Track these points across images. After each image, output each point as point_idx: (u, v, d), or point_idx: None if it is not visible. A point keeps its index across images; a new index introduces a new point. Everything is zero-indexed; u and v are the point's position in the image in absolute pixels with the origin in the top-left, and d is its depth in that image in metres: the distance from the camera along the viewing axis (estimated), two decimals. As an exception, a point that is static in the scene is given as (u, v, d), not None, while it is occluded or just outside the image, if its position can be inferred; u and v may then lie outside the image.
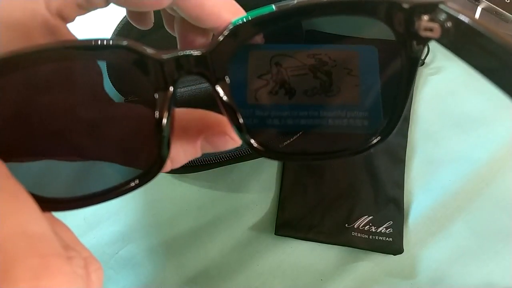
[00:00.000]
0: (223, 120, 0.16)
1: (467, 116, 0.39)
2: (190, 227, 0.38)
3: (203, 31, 0.17)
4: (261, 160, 0.36)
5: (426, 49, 0.13)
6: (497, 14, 0.41)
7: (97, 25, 0.38)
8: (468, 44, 0.12)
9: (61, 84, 0.14)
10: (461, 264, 0.35)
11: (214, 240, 0.37)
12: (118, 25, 0.34)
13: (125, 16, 0.34)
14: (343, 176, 0.38)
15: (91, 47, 0.13)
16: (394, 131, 0.15)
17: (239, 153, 0.34)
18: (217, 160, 0.34)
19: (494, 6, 0.40)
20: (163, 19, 0.20)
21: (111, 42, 0.13)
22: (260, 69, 0.16)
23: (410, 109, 0.40)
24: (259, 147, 0.15)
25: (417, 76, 0.41)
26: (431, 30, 0.12)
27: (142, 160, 0.15)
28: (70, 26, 0.15)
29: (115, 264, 0.37)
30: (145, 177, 0.15)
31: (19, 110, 0.14)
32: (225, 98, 0.14)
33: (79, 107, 0.15)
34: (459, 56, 0.13)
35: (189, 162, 0.34)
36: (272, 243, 0.37)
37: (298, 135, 0.17)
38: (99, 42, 0.13)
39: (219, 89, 0.14)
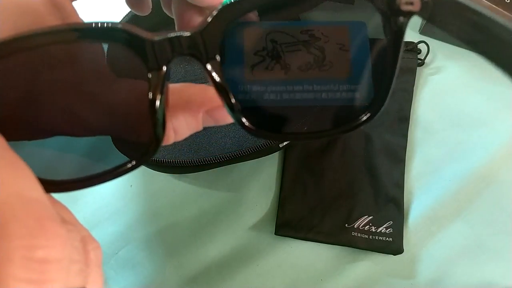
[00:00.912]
0: None
1: (467, 116, 0.39)
2: (190, 227, 0.38)
3: (200, 9, 0.18)
4: (261, 160, 0.36)
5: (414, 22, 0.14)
6: (497, 14, 0.41)
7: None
8: (447, 15, 0.13)
9: (64, 63, 0.15)
10: (461, 264, 0.35)
11: (214, 240, 0.37)
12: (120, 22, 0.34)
13: (126, 15, 0.35)
14: (343, 176, 0.38)
15: (90, 30, 0.13)
16: (383, 108, 0.15)
17: (239, 153, 0.34)
18: (217, 160, 0.34)
19: (494, 6, 0.40)
20: (161, 0, 0.20)
21: (108, 25, 0.13)
22: (251, 46, 0.16)
23: (410, 109, 0.40)
24: (251, 126, 0.15)
25: (417, 76, 0.41)
26: (411, 3, 0.13)
27: (139, 140, 0.15)
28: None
29: (115, 264, 0.37)
30: (142, 158, 0.15)
31: (25, 89, 0.14)
32: (216, 77, 0.14)
33: (82, 85, 0.15)
34: (441, 28, 0.13)
35: (189, 162, 0.34)
36: (272, 243, 0.37)
37: (290, 119, 0.17)
38: (97, 25, 0.13)
39: (210, 68, 0.14)
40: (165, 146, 0.17)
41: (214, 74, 0.14)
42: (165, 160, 0.34)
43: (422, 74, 0.41)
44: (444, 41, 0.42)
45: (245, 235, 0.37)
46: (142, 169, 0.33)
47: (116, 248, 0.37)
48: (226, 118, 0.16)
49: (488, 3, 0.36)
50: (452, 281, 0.35)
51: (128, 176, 0.20)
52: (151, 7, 0.21)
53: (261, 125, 0.16)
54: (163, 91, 0.14)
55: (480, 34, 0.13)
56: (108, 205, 0.39)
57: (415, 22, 0.42)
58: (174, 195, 0.39)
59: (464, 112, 0.40)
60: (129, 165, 0.15)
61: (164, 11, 0.20)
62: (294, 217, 0.37)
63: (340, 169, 0.38)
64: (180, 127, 0.16)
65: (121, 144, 0.16)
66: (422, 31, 0.42)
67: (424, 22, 0.41)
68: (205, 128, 0.17)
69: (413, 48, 0.41)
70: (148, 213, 0.38)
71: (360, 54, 0.16)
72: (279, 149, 0.35)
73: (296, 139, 0.19)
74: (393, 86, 0.15)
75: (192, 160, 0.34)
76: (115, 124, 0.16)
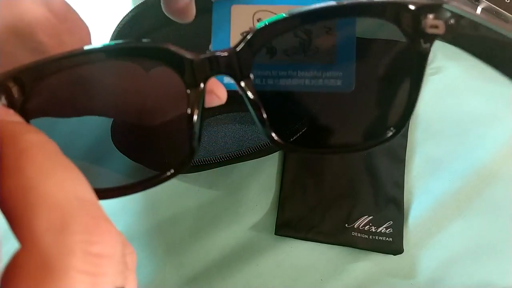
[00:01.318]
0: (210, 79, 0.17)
1: (467, 116, 0.39)
2: (190, 227, 0.38)
3: None
4: (261, 160, 0.36)
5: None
6: (497, 14, 0.41)
7: (98, 24, 0.38)
8: (470, 36, 0.14)
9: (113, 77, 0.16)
10: (461, 264, 0.35)
11: (214, 240, 0.37)
12: (118, 24, 0.34)
13: (126, 15, 0.35)
14: (343, 176, 0.38)
15: (137, 48, 0.14)
16: (407, 123, 0.16)
17: (239, 153, 0.34)
18: (217, 160, 0.34)
19: (494, 6, 0.40)
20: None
21: (154, 45, 0.14)
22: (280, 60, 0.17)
23: (410, 109, 0.40)
24: (280, 141, 0.16)
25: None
26: (436, 27, 0.14)
27: (175, 152, 0.16)
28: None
29: (115, 264, 0.37)
30: (179, 167, 0.16)
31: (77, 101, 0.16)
32: (250, 94, 0.15)
33: (127, 100, 0.17)
34: (463, 49, 0.14)
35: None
36: (272, 243, 0.37)
37: (317, 131, 0.18)
38: (143, 45, 0.14)
39: (244, 85, 0.15)
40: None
41: (248, 91, 0.15)
42: (165, 160, 0.34)
43: (422, 74, 0.41)
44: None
45: (245, 235, 0.37)
46: (142, 169, 0.33)
47: (116, 248, 0.37)
48: (211, 101, 0.17)
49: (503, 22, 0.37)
50: (452, 281, 0.35)
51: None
52: (194, 15, 0.21)
53: (288, 138, 0.17)
54: (200, 106, 0.15)
55: (501, 53, 0.13)
56: (108, 206, 0.39)
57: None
58: (174, 195, 0.39)
59: (464, 112, 0.40)
60: (168, 173, 0.16)
61: (164, 11, 0.20)
62: (294, 217, 0.37)
63: (340, 169, 0.38)
64: None
65: (157, 154, 0.17)
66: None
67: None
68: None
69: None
70: (148, 213, 0.38)
71: (386, 77, 0.17)
72: (279, 149, 0.35)
73: (324, 153, 0.20)
74: (417, 103, 0.16)
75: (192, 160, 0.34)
76: (153, 136, 0.17)
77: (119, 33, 0.33)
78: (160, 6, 0.20)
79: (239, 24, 0.17)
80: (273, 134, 0.16)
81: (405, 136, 0.39)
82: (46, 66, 0.13)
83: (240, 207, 0.38)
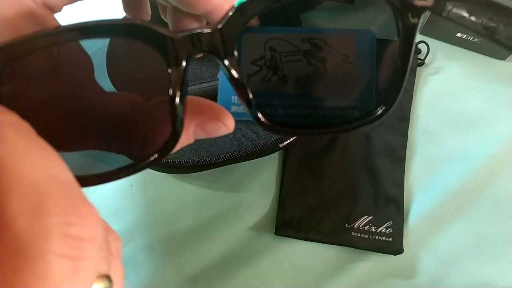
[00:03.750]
0: (215, 106, 0.16)
1: (467, 116, 0.39)
2: (190, 227, 0.38)
3: (195, 18, 0.18)
4: (261, 160, 0.36)
5: (421, 21, 0.14)
6: None
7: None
8: (459, 9, 0.13)
9: (73, 64, 0.15)
10: (461, 264, 0.35)
11: (214, 240, 0.37)
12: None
13: (123, 9, 0.34)
14: (343, 176, 0.38)
15: (110, 26, 0.13)
16: (396, 102, 0.16)
17: (239, 153, 0.34)
18: (217, 160, 0.34)
19: None
20: (159, 8, 0.20)
21: (130, 22, 0.14)
22: (258, 50, 0.17)
23: (410, 109, 0.40)
24: (266, 122, 0.16)
25: (417, 76, 0.41)
26: None
27: (158, 136, 0.15)
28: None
29: (115, 264, 0.37)
30: (161, 152, 0.15)
31: (39, 89, 0.15)
32: (234, 73, 0.15)
33: (84, 96, 0.16)
34: (453, 22, 0.14)
35: (189, 162, 0.34)
36: (272, 243, 0.37)
37: (305, 113, 0.18)
38: (119, 22, 0.13)
39: (228, 64, 0.15)
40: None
41: (232, 70, 0.15)
42: (165, 160, 0.34)
43: (422, 74, 0.41)
44: (444, 41, 0.42)
45: (245, 235, 0.37)
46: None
47: (116, 248, 0.37)
48: (218, 130, 0.16)
49: None
50: (452, 281, 0.35)
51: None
52: (150, 14, 0.21)
53: (276, 120, 0.16)
54: (183, 86, 0.14)
55: (494, 23, 0.13)
56: (108, 205, 0.39)
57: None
58: (174, 195, 0.39)
59: (464, 112, 0.40)
60: (152, 158, 0.15)
61: (162, 17, 0.20)
62: (294, 217, 0.37)
63: (340, 169, 0.38)
64: None
65: (140, 140, 0.16)
66: (422, 31, 0.42)
67: (424, 22, 0.41)
68: None
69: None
70: (148, 213, 0.38)
71: (370, 58, 0.17)
72: (279, 149, 0.35)
73: (308, 135, 0.19)
74: (405, 82, 0.15)
75: (192, 160, 0.34)
76: (132, 122, 0.16)
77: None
78: (155, 9, 0.20)
79: (250, 53, 0.17)
80: (259, 115, 0.16)
81: (405, 136, 0.39)
82: (17, 46, 0.13)
83: (240, 207, 0.38)
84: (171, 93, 0.14)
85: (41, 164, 0.11)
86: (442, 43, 0.42)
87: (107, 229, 0.13)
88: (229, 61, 0.15)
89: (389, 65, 0.16)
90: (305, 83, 0.17)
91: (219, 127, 0.16)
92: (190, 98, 0.16)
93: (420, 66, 0.41)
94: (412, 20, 0.14)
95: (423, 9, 0.14)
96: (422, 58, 0.41)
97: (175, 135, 0.15)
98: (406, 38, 0.14)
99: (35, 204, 0.10)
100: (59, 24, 0.15)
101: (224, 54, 0.15)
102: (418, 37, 0.42)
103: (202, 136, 0.17)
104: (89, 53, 0.16)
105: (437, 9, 0.14)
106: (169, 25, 0.19)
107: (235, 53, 0.15)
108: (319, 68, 0.17)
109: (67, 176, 0.11)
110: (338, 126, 0.17)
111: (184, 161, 0.34)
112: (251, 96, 0.15)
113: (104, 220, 0.13)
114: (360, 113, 0.17)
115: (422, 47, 0.41)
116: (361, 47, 0.17)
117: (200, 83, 0.36)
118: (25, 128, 0.11)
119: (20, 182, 0.10)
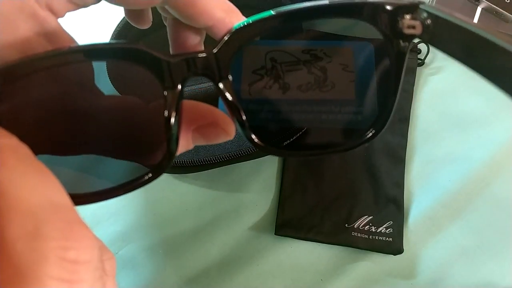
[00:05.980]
0: (214, 111, 0.16)
1: (467, 116, 0.39)
2: (190, 227, 0.38)
3: (196, 30, 0.18)
4: (261, 160, 0.36)
5: (416, 47, 0.14)
6: (497, 14, 0.41)
7: (97, 25, 0.38)
8: (446, 38, 0.14)
9: (70, 86, 0.15)
10: (461, 264, 0.35)
11: (214, 240, 0.37)
12: (118, 25, 0.34)
13: (121, 20, 0.35)
14: (343, 176, 0.38)
15: (107, 49, 0.14)
16: (386, 126, 0.16)
17: (239, 153, 0.34)
18: (217, 160, 0.34)
19: (494, 6, 0.40)
20: (162, 17, 0.20)
21: (127, 45, 0.14)
22: (257, 66, 0.17)
23: (410, 109, 0.40)
24: (260, 143, 0.16)
25: (417, 76, 0.41)
26: (413, 27, 0.14)
27: (152, 155, 0.16)
28: (72, 29, 0.15)
29: (115, 264, 0.37)
30: (156, 171, 0.16)
31: (43, 107, 0.15)
32: (228, 96, 0.15)
33: (88, 107, 0.16)
34: (441, 49, 0.14)
35: (189, 162, 0.34)
36: (272, 243, 0.37)
37: (298, 135, 0.18)
38: (116, 45, 0.14)
39: (222, 87, 0.15)
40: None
41: (226, 93, 0.15)
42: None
43: (422, 74, 0.41)
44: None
45: (245, 235, 0.37)
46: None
47: (116, 248, 0.37)
48: (218, 136, 0.16)
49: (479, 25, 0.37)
50: (452, 281, 0.35)
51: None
52: (151, 21, 0.21)
53: (270, 141, 0.16)
54: (178, 108, 0.14)
55: (478, 56, 0.13)
56: (108, 205, 0.39)
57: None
58: (174, 195, 0.39)
59: (464, 112, 0.40)
60: (146, 177, 0.15)
61: (164, 23, 0.20)
62: (294, 217, 0.37)
63: (340, 169, 0.38)
64: None
65: (135, 158, 0.17)
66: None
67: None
68: None
69: (413, 48, 0.41)
70: (148, 213, 0.38)
71: (364, 76, 0.17)
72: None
73: (301, 156, 0.20)
74: (396, 105, 0.15)
75: (192, 160, 0.34)
76: (130, 140, 0.16)
77: (118, 33, 0.33)
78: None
79: (250, 65, 0.17)
80: (253, 136, 0.16)
81: (405, 136, 0.39)
82: (16, 68, 0.13)
83: (240, 207, 0.38)
84: (167, 114, 0.14)
85: (39, 189, 0.11)
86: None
87: (102, 248, 0.13)
88: (223, 84, 0.15)
89: (381, 86, 0.16)
90: (302, 107, 0.17)
91: (218, 132, 0.16)
92: (188, 102, 0.16)
93: (420, 66, 0.41)
94: (403, 46, 0.14)
95: (412, 37, 0.14)
96: (422, 58, 0.41)
97: (170, 155, 0.15)
98: (396, 63, 0.15)
99: (33, 228, 0.10)
100: (62, 28, 0.15)
101: (219, 77, 0.15)
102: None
103: (201, 141, 0.17)
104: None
105: (426, 37, 0.14)
106: (168, 34, 0.18)
107: (230, 77, 0.15)
108: (315, 91, 0.17)
109: (64, 200, 0.12)
110: (333, 148, 0.17)
111: (184, 161, 0.34)
112: (244, 117, 0.15)
113: (99, 239, 0.13)
114: (353, 135, 0.17)
115: (422, 47, 0.41)
116: (359, 59, 0.17)
117: (200, 83, 0.36)
118: (24, 151, 0.11)
119: (19, 207, 0.10)
